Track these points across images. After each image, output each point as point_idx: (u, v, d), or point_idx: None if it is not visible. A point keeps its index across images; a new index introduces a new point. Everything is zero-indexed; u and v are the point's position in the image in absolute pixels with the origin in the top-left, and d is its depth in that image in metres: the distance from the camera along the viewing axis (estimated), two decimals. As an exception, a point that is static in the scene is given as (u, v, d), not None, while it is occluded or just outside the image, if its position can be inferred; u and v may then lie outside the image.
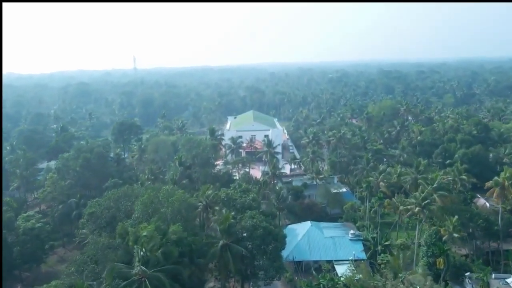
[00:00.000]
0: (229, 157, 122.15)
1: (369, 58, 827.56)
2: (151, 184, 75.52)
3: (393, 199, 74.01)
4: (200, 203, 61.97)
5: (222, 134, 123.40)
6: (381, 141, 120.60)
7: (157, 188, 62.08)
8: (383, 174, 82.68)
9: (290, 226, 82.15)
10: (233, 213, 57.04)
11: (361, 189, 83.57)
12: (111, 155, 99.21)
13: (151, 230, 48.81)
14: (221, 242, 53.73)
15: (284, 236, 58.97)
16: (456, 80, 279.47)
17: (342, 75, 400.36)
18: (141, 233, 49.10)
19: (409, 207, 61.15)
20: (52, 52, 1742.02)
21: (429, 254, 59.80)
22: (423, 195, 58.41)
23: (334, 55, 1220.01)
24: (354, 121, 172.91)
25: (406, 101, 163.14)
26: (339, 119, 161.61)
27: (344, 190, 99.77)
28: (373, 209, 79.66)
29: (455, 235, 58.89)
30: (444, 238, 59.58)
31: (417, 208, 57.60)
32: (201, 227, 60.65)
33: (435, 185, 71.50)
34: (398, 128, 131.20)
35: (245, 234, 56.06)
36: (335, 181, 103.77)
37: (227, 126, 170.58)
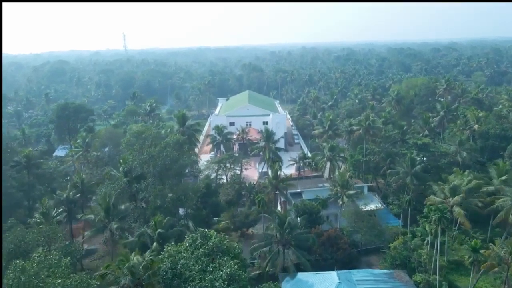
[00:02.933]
0: (214, 153, 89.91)
1: (368, 40, 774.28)
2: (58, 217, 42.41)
3: (492, 246, 40.75)
4: (121, 281, 28.79)
5: (197, 124, 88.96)
6: (426, 132, 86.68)
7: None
8: (461, 195, 48.75)
9: (301, 276, 49.12)
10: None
11: (426, 220, 50.22)
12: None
13: None
14: None
15: None
16: (484, 57, 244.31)
17: (349, 53, 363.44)
18: None
19: None
20: (47, 33, 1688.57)
21: None
22: None
23: (332, 37, 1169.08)
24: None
25: (446, 77, 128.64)
26: (356, 101, 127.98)
27: (381, 207, 66.99)
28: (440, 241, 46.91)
29: None
30: None
31: None
32: None
33: None
34: (441, 113, 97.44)
35: None
36: (365, 191, 70.96)
37: (217, 110, 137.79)
